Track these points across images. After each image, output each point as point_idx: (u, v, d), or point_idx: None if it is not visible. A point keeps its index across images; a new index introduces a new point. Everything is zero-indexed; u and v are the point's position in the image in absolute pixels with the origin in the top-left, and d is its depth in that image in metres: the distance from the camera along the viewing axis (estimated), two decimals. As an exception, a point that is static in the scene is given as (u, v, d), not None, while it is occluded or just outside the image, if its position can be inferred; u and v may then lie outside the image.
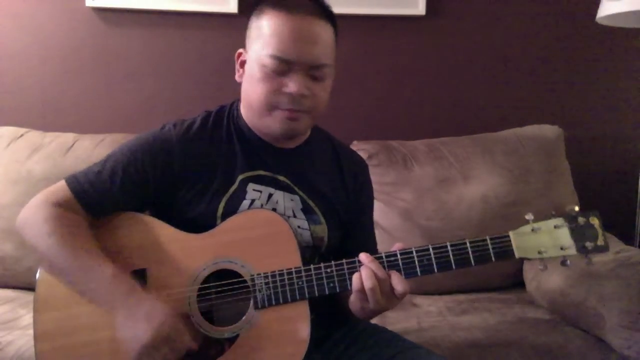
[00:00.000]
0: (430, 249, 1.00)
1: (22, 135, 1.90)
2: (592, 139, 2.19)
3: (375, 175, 1.29)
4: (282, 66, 1.02)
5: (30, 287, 1.62)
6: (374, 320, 1.37)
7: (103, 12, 2.10)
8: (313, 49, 1.03)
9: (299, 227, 1.11)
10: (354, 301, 1.01)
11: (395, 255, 1.01)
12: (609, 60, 2.18)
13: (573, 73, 2.18)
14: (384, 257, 1.01)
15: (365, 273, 0.98)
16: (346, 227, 1.19)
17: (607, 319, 1.33)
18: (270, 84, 1.03)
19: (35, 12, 2.10)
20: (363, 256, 1.00)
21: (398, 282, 0.98)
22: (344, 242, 1.20)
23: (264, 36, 1.04)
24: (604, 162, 2.19)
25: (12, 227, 1.74)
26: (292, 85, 1.02)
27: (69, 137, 1.90)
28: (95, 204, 1.04)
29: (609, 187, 2.17)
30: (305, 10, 1.03)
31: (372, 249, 1.23)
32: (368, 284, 0.97)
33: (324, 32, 1.05)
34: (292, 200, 1.12)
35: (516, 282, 1.82)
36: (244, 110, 1.14)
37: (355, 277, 0.99)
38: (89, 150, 1.83)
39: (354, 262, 1.01)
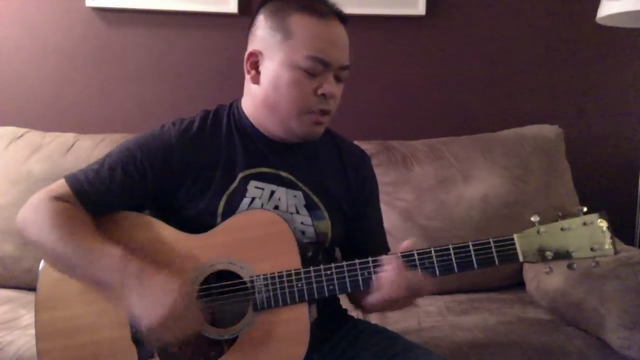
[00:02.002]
0: (433, 252, 1.00)
1: (22, 135, 1.90)
2: (592, 139, 2.19)
3: (376, 175, 1.29)
4: (319, 68, 1.03)
5: (30, 287, 1.63)
6: (374, 320, 1.37)
7: (103, 12, 2.10)
8: (344, 51, 1.07)
9: (302, 223, 1.10)
10: (374, 299, 1.00)
11: (397, 257, 1.00)
12: (609, 60, 2.18)
13: (573, 73, 2.18)
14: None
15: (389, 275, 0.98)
16: (352, 221, 1.19)
17: (607, 319, 1.33)
18: (306, 86, 1.04)
19: (35, 12, 2.10)
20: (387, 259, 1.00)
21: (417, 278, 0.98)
22: (351, 236, 1.20)
23: (296, 39, 1.03)
24: (604, 162, 2.19)
25: (12, 227, 1.75)
26: (327, 86, 1.04)
27: (69, 137, 1.90)
28: (95, 202, 1.04)
29: (609, 187, 2.17)
30: (333, 16, 1.06)
31: (380, 242, 1.24)
32: (396, 281, 0.97)
33: (346, 35, 1.09)
34: (295, 196, 1.11)
35: (516, 282, 1.81)
36: (251, 109, 1.13)
37: (377, 278, 0.99)
38: (89, 150, 1.83)
39: (353, 264, 1.01)
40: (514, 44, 2.17)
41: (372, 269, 1.01)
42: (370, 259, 1.01)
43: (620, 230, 1.80)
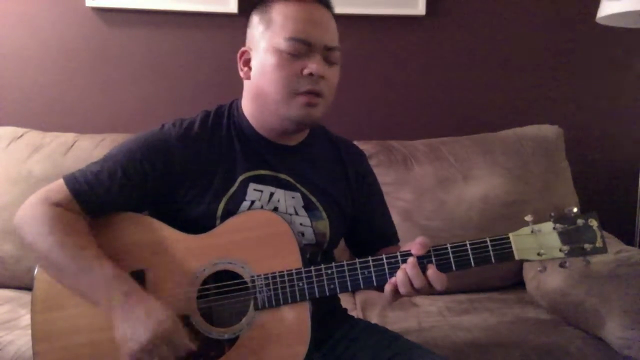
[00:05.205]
0: (431, 251, 1.00)
1: (22, 135, 1.90)
2: (592, 139, 2.19)
3: (373, 171, 1.30)
4: (301, 48, 1.03)
5: (30, 287, 1.61)
6: (374, 320, 1.37)
7: (103, 12, 2.10)
8: (327, 31, 1.07)
9: (301, 224, 1.11)
10: (389, 293, 1.00)
11: (396, 256, 1.01)
12: (609, 60, 2.18)
13: (573, 73, 2.18)
14: (384, 258, 1.01)
15: (400, 279, 0.98)
16: (357, 218, 1.21)
17: (607, 319, 1.33)
18: (290, 68, 1.04)
19: (35, 12, 2.10)
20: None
21: (436, 281, 0.97)
22: (359, 230, 1.22)
23: (276, 24, 1.05)
24: (604, 162, 2.19)
25: (12, 227, 1.72)
26: (312, 65, 1.03)
27: (69, 137, 1.90)
28: (94, 204, 1.04)
29: (609, 187, 2.17)
30: (313, 0, 1.07)
31: (388, 234, 1.26)
32: (402, 290, 0.98)
33: (332, 20, 1.09)
34: (293, 198, 1.12)
35: (516, 282, 1.82)
36: (248, 108, 1.13)
37: (389, 283, 0.99)
38: (89, 150, 1.83)
39: (354, 263, 1.02)
40: (514, 43, 2.17)
41: (372, 268, 1.01)
42: (370, 258, 1.02)
43: (620, 230, 1.82)
